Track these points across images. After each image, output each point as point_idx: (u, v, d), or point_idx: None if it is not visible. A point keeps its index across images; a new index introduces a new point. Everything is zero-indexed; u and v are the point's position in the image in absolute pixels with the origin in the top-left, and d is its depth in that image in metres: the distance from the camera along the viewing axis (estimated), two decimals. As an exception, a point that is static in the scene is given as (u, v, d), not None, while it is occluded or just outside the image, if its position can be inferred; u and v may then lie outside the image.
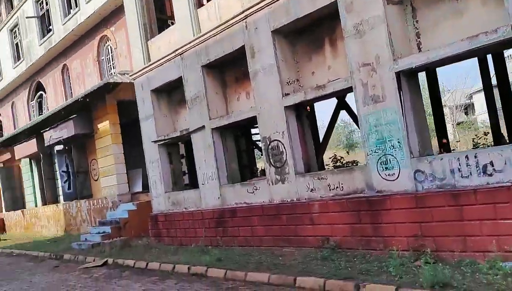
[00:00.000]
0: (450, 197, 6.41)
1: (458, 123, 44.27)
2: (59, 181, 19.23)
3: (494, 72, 9.93)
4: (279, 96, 8.78)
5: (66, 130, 16.66)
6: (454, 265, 6.05)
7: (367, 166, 7.48)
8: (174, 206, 11.78)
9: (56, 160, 19.07)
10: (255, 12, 9.13)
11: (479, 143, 10.26)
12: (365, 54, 7.36)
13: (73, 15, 19.40)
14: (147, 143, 12.47)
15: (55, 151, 18.78)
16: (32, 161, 22.31)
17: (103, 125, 15.75)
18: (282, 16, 8.62)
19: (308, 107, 9.79)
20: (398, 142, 7.00)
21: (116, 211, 14.88)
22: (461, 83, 47.15)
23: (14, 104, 27.54)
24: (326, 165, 12.45)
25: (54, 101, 22.61)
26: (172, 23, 13.10)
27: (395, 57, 7.06)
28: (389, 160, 7.11)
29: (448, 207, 6.44)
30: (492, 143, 9.71)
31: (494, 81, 9.89)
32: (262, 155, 9.78)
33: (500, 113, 9.76)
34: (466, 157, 6.32)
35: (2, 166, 25.03)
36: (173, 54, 11.28)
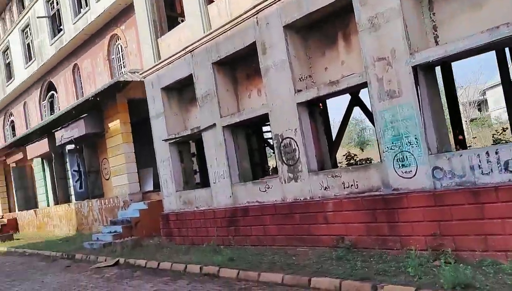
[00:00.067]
0: (470, 194, 6.19)
1: (472, 120, 43.66)
2: (70, 180, 19.26)
3: (512, 66, 9.66)
4: (292, 92, 8.60)
5: (77, 129, 16.65)
6: (475, 265, 5.83)
7: (383, 163, 7.28)
8: (186, 205, 11.66)
9: (67, 159, 19.09)
10: (266, 8, 8.95)
11: (500, 139, 9.99)
12: (380, 48, 7.15)
13: (83, 15, 19.41)
14: (158, 142, 12.37)
15: (67, 150, 18.79)
16: (44, 160, 22.39)
17: (114, 124, 15.70)
18: (294, 10, 8.43)
19: (320, 104, 9.60)
20: (415, 138, 6.79)
21: (127, 210, 14.83)
22: (474, 79, 46.53)
23: (26, 104, 27.71)
24: (339, 163, 12.24)
25: (66, 100, 22.67)
26: (182, 21, 13.00)
27: (412, 51, 6.84)
28: (406, 156, 6.91)
29: (468, 205, 6.22)
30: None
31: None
32: (273, 152, 9.63)
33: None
34: (487, 153, 6.09)
35: (15, 165, 25.16)
36: (183, 52, 11.15)
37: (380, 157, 7.38)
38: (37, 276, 10.83)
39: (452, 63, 9.36)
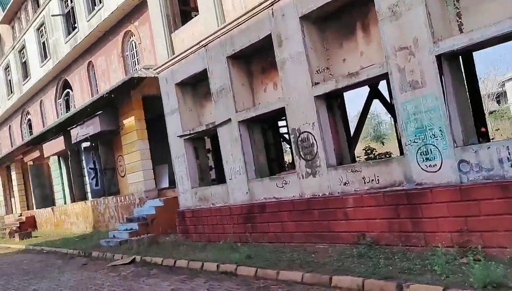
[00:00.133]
0: (499, 188, 5.90)
1: (491, 113, 42.75)
2: (86, 178, 19.30)
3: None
4: (309, 85, 8.36)
5: (92, 127, 16.63)
6: (506, 262, 5.54)
7: (405, 157, 7.00)
8: (201, 202, 11.51)
9: (83, 157, 19.11)
10: (281, -2, 8.72)
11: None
12: (402, 38, 6.87)
13: (97, 12, 19.36)
14: (173, 138, 12.24)
15: (82, 148, 18.81)
16: (60, 158, 22.49)
17: (129, 121, 15.63)
18: (310, 1, 8.17)
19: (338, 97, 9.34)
20: (440, 130, 6.50)
21: (143, 207, 14.75)
22: (493, 70, 45.53)
23: (42, 102, 27.87)
24: (357, 157, 11.96)
25: (81, 98, 22.71)
26: (196, 15, 12.81)
27: (435, 39, 6.55)
28: (430, 150, 6.62)
29: (496, 200, 5.93)
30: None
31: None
32: (290, 147, 9.39)
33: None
34: (517, 145, 5.79)
35: (32, 164, 25.34)
36: (197, 46, 10.97)
37: (401, 151, 7.12)
38: (54, 274, 10.80)
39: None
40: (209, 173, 12.76)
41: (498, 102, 50.58)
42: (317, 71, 8.43)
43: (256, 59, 10.20)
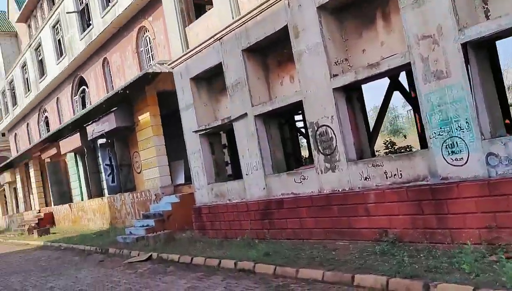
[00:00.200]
0: (531, 183, 5.60)
1: (511, 105, 41.78)
2: (103, 174, 19.32)
3: None
4: (327, 77, 8.10)
5: (108, 123, 16.60)
6: (540, 261, 5.25)
7: (430, 150, 6.72)
8: (218, 198, 11.35)
9: (99, 154, 19.13)
10: (298, -12, 8.46)
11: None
12: (425, 26, 6.57)
13: (111, 8, 19.31)
14: (188, 134, 12.09)
15: (98, 145, 18.83)
16: (77, 155, 22.59)
17: (144, 117, 15.55)
18: (328, -10, 7.91)
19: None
20: (466, 122, 6.20)
21: (159, 204, 14.68)
22: (513, 62, 44.40)
23: (59, 100, 28.05)
24: (376, 151, 11.66)
25: (96, 95, 22.75)
26: (210, 8, 12.60)
27: (460, 27, 6.24)
28: (456, 142, 6.33)
29: (528, 195, 5.63)
30: None
31: None
32: (307, 142, 9.16)
33: None
34: (550, 136, 5.48)
35: (49, 161, 25.53)
36: (212, 40, 10.77)
37: (422, 144, 6.83)
38: (71, 271, 10.77)
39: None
40: (225, 169, 12.58)
41: (519, 94, 49.46)
42: (335, 62, 8.17)
43: (272, 51, 9.97)
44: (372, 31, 7.91)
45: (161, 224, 13.49)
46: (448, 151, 6.43)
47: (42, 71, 28.65)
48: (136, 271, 9.42)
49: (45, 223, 25.27)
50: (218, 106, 11.87)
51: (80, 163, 22.51)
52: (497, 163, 5.98)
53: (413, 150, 11.53)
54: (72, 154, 22.64)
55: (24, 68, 31.59)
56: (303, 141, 17.78)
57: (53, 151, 23.81)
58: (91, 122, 18.00)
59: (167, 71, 13.50)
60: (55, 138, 22.48)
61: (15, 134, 36.66)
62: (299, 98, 8.85)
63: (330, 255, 7.29)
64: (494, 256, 5.58)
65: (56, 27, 25.70)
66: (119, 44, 20.37)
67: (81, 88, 25.46)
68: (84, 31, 22.37)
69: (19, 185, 31.98)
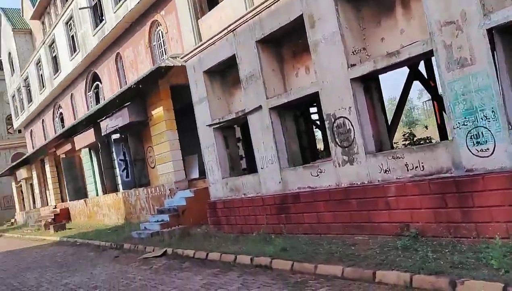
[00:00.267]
0: None
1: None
2: (117, 170, 19.30)
3: None
4: (344, 67, 7.86)
5: (121, 118, 16.53)
6: None
7: (453, 141, 6.45)
8: (233, 192, 11.19)
9: (113, 149, 19.10)
10: (313, -24, 8.21)
11: None
12: (448, 11, 6.28)
13: (123, 2, 19.19)
14: (202, 128, 11.93)
15: (112, 140, 18.79)
16: (91, 150, 22.63)
17: (157, 112, 15.44)
18: (344, -23, 7.65)
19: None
20: (493, 111, 5.92)
21: (173, 199, 14.58)
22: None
23: (73, 96, 28.15)
24: (394, 143, 11.37)
25: (110, 90, 22.72)
26: (223, 0, 12.40)
27: (486, 12, 5.95)
28: (482, 133, 6.06)
29: (559, 187, 5.35)
30: None
31: None
32: (322, 135, 8.92)
33: None
34: None
35: (64, 156, 25.65)
36: (225, 32, 10.58)
37: (441, 136, 6.54)
38: (86, 267, 10.73)
39: None
40: (240, 163, 12.41)
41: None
42: (353, 52, 7.91)
43: (287, 42, 9.74)
44: (391, 18, 7.63)
45: (175, 219, 13.38)
46: (473, 142, 6.16)
47: (56, 68, 28.76)
48: (151, 267, 9.32)
49: (61, 219, 25.43)
50: (232, 99, 11.68)
51: (94, 158, 22.55)
52: (526, 154, 5.70)
53: (433, 141, 11.24)
54: (87, 149, 22.68)
55: (39, 65, 31.76)
56: (318, 134, 17.51)
57: (68, 147, 23.88)
58: (104, 117, 17.95)
59: (180, 64, 13.34)
60: (69, 134, 22.53)
61: (31, 131, 36.97)
62: (315, 90, 8.61)
63: (349, 250, 7.08)
64: (524, 251, 5.33)
65: (69, 23, 25.73)
66: (132, 39, 20.28)
67: (94, 84, 25.48)
68: (97, 26, 22.32)
69: (35, 181, 32.26)
